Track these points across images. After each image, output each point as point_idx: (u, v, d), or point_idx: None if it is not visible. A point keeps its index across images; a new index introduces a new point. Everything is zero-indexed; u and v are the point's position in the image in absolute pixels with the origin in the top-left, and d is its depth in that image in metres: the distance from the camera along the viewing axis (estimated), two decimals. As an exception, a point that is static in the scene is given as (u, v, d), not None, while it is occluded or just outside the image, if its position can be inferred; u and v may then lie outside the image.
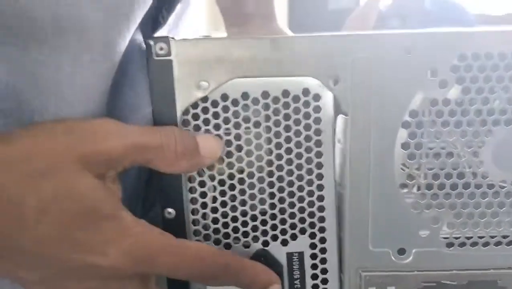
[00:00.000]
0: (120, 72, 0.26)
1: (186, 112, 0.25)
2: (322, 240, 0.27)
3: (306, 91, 0.25)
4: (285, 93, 0.25)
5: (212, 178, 0.26)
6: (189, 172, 0.26)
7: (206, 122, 0.26)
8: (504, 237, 0.26)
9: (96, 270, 0.22)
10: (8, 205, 0.21)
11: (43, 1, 0.21)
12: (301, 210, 0.26)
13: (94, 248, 0.22)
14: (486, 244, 0.26)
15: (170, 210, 0.26)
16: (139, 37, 0.28)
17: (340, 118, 0.25)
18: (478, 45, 0.24)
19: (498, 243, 0.26)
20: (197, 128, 0.26)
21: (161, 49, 0.25)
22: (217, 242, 0.27)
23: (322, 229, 0.27)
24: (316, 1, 1.49)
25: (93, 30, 0.24)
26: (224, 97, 0.25)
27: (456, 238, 0.26)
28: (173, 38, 0.25)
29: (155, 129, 0.25)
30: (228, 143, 0.26)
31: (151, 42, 0.25)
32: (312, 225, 0.27)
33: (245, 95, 0.25)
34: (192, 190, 0.26)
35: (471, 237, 0.26)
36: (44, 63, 0.23)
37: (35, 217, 0.21)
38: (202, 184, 0.26)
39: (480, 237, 0.26)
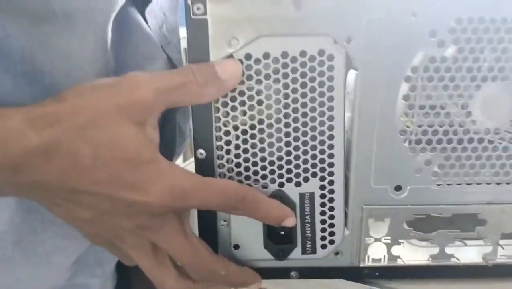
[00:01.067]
0: (121, 44, 0.30)
1: None
2: (331, 183, 0.31)
3: (321, 52, 0.28)
4: (303, 53, 0.28)
5: (235, 128, 0.29)
6: (218, 97, 0.28)
7: None
8: (485, 177, 0.31)
9: (141, 207, 0.26)
10: (66, 154, 0.24)
11: None
12: (313, 156, 0.30)
13: (138, 187, 0.25)
14: (469, 182, 0.31)
15: (201, 151, 0.30)
16: (134, 11, 0.32)
17: (351, 73, 0.29)
18: (472, 10, 0.27)
19: (479, 182, 0.31)
20: None
21: (198, 9, 0.27)
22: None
23: (331, 173, 0.30)
24: None
25: (98, 15, 0.27)
26: (248, 56, 0.28)
27: (445, 177, 0.31)
28: None
29: (174, 71, 0.27)
30: (250, 97, 0.29)
31: (189, 2, 0.27)
32: (322, 169, 0.30)
33: (266, 55, 0.28)
34: (218, 138, 0.30)
35: (458, 177, 0.31)
36: (55, 37, 0.26)
37: (90, 163, 0.24)
38: (227, 133, 0.30)
39: (465, 177, 0.31)
